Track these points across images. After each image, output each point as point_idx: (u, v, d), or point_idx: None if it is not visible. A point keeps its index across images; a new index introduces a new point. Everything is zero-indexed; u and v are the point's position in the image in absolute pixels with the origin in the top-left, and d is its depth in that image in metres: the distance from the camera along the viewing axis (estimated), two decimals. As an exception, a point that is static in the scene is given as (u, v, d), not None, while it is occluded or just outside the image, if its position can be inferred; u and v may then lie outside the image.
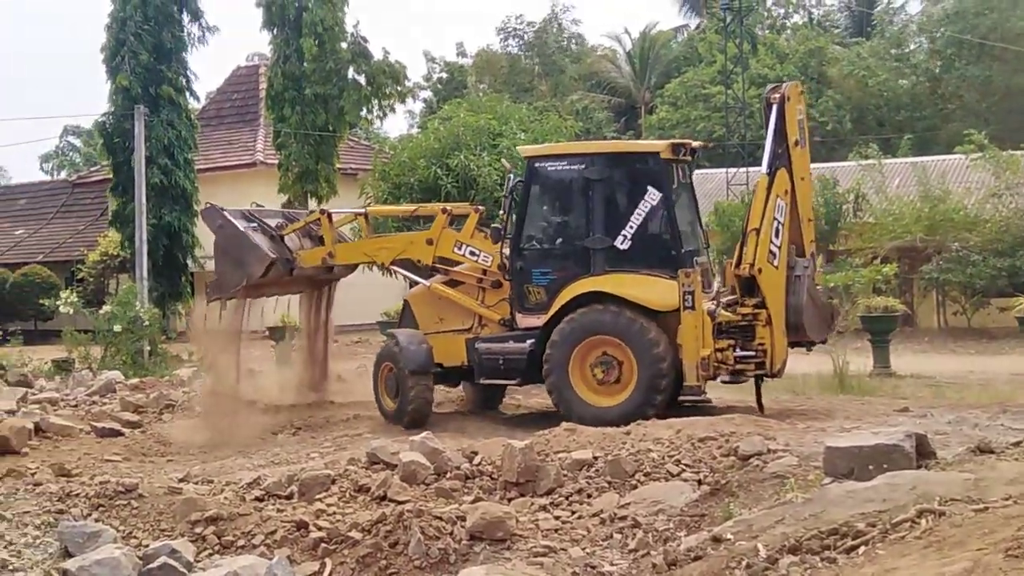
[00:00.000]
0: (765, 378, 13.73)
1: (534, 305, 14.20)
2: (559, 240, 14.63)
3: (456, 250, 15.02)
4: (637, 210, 13.78)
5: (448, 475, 10.31)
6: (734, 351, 13.25)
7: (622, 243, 13.78)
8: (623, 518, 8.89)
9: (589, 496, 9.60)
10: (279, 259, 15.44)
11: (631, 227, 13.76)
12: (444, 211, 15.48)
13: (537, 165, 14.53)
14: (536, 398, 16.13)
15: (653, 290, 13.48)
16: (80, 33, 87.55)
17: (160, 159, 31.67)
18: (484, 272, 14.79)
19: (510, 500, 9.74)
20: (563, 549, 8.52)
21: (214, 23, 34.80)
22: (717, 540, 7.01)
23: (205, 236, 32.49)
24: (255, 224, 15.73)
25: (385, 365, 14.88)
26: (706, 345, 12.97)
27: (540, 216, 14.78)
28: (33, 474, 11.15)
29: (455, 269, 15.20)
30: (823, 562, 6.08)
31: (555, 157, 14.80)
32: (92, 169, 45.56)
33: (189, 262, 33.34)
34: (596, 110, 52.98)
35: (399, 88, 31.14)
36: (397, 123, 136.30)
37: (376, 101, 31.08)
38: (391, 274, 19.79)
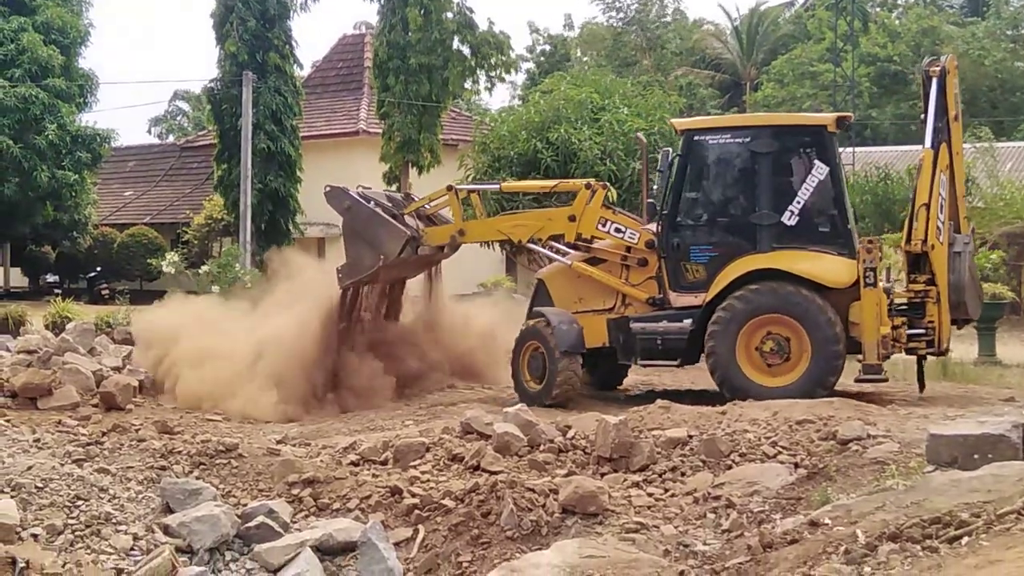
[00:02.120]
0: (929, 356, 13.48)
1: (691, 283, 13.71)
2: (721, 216, 14.06)
3: (600, 227, 14.42)
4: (804, 184, 13.36)
5: (541, 448, 10.33)
6: (906, 329, 12.97)
7: (789, 219, 13.32)
8: (717, 498, 8.84)
9: (683, 474, 9.55)
10: (411, 237, 15.00)
11: (798, 202, 13.32)
12: (587, 187, 14.80)
13: (696, 139, 13.95)
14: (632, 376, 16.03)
15: (826, 267, 13.11)
16: None
17: (266, 125, 32.11)
18: (628, 250, 14.27)
19: (603, 475, 9.74)
20: (655, 526, 8.51)
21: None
22: (814, 524, 6.92)
23: (307, 203, 33.09)
24: (373, 203, 15.40)
25: (529, 345, 14.25)
26: (884, 323, 12.68)
27: (699, 191, 14.18)
28: (137, 431, 11.38)
29: (596, 246, 14.64)
30: (924, 551, 5.95)
31: (716, 130, 14.20)
32: (200, 134, 46.34)
33: (291, 227, 33.84)
34: (700, 86, 52.40)
35: (503, 59, 31.07)
36: (499, 95, 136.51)
37: (481, 72, 31.06)
38: (488, 246, 19.65)
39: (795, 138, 13.91)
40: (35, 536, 8.48)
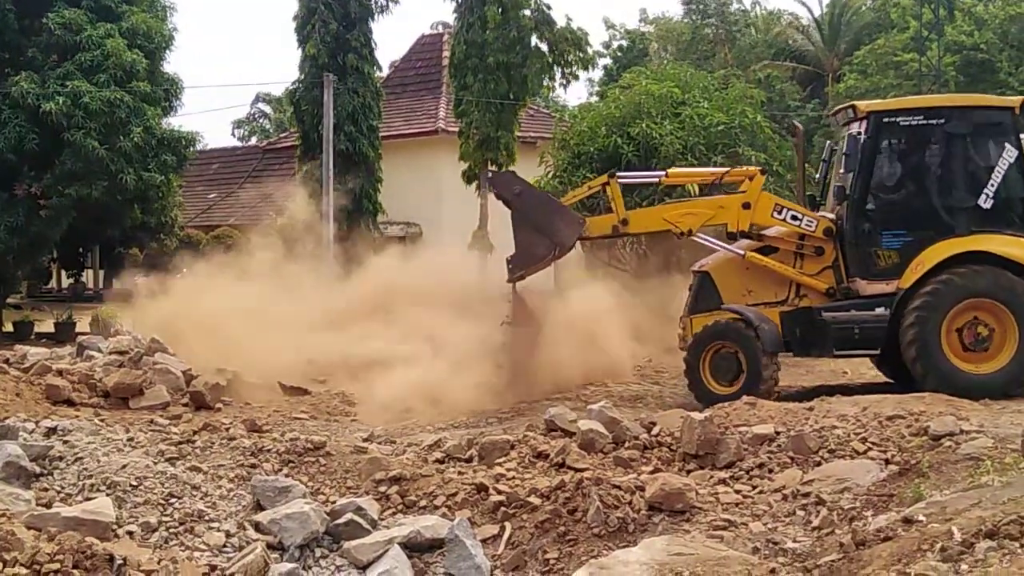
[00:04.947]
0: None
1: (882, 270, 13.51)
2: (915, 200, 13.79)
3: (775, 215, 14.04)
4: (997, 167, 13.26)
5: (626, 445, 10.32)
6: None
7: (985, 201, 13.22)
8: (806, 495, 8.74)
9: (771, 471, 9.47)
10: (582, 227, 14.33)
11: (992, 184, 13.21)
12: (763, 172, 14.50)
13: (886, 120, 13.65)
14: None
15: None
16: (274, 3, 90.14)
17: (346, 126, 32.42)
18: (802, 238, 13.94)
19: (689, 472, 9.69)
20: (744, 523, 8.44)
21: (398, -8, 35.16)
22: (908, 521, 6.81)
23: (387, 203, 33.33)
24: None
25: (716, 344, 13.75)
26: None
27: (890, 175, 13.93)
28: (227, 429, 11.50)
29: (767, 235, 14.24)
30: (1023, 548, 5.84)
31: (908, 111, 13.81)
32: (281, 136, 46.92)
33: (371, 227, 34.08)
34: (779, 79, 51.75)
35: (581, 56, 30.97)
36: (576, 91, 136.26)
37: (559, 69, 30.97)
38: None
39: (987, 120, 13.70)
40: (130, 533, 8.62)
